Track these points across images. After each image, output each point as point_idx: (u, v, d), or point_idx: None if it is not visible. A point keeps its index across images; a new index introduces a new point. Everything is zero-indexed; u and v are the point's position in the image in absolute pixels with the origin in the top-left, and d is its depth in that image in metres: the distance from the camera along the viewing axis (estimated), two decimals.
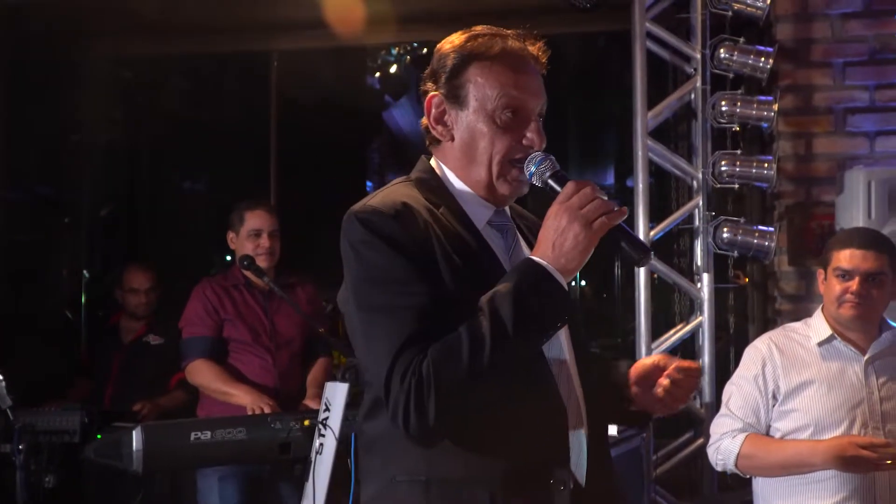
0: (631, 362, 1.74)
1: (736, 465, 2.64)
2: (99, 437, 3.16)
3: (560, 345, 1.63)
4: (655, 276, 4.18)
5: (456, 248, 1.58)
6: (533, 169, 1.61)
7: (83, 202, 5.75)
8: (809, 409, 2.57)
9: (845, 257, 2.59)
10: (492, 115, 1.63)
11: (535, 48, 1.68)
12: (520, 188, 1.67)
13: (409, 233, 1.55)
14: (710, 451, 2.72)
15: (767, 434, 2.64)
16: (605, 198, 1.52)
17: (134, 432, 2.91)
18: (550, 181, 1.60)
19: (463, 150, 1.66)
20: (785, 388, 2.61)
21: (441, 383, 1.46)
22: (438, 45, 1.70)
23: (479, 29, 1.70)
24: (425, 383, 1.46)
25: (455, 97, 1.65)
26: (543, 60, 1.69)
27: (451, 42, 1.68)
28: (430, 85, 1.69)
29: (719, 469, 2.73)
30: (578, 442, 1.61)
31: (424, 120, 1.71)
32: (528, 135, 1.64)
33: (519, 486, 1.53)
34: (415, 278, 1.52)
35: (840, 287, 2.59)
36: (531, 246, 1.69)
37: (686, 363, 1.67)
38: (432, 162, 1.73)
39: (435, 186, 1.67)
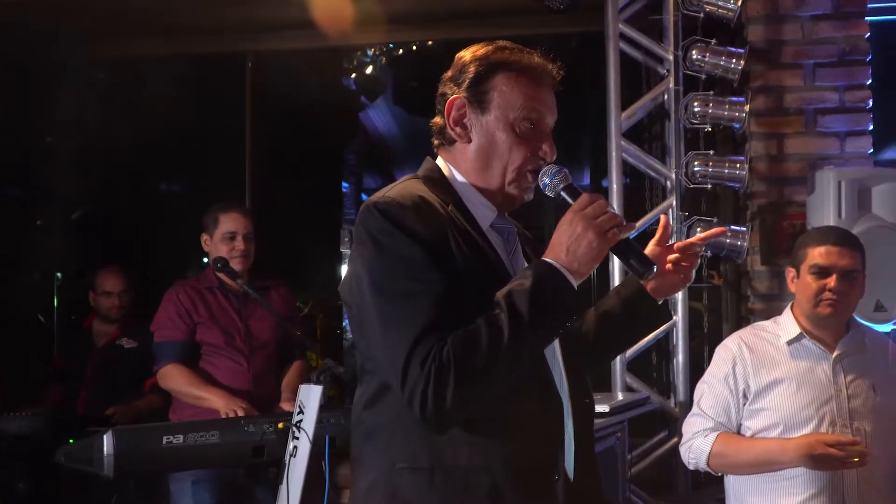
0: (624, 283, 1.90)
1: (708, 464, 2.66)
2: (71, 441, 3.14)
3: (554, 347, 1.70)
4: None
5: (466, 245, 1.65)
6: (547, 181, 1.70)
7: (56, 204, 5.70)
8: (779, 407, 2.60)
9: (822, 254, 2.60)
10: (512, 123, 1.72)
11: (553, 67, 1.78)
12: (527, 195, 1.76)
13: (427, 225, 1.61)
14: (683, 450, 2.74)
15: (738, 432, 2.66)
16: (616, 211, 1.62)
17: (105, 436, 2.88)
18: (563, 193, 1.69)
19: (479, 153, 1.74)
20: (755, 386, 2.63)
21: (460, 371, 1.52)
22: (459, 55, 1.79)
23: (502, 43, 1.78)
24: (445, 369, 1.51)
25: (478, 102, 1.73)
26: (558, 79, 1.79)
27: (475, 52, 1.77)
28: (451, 88, 1.76)
29: (692, 468, 2.76)
30: (568, 438, 1.68)
31: (438, 119, 1.78)
32: (544, 147, 1.73)
33: (519, 474, 1.61)
34: (433, 268, 1.58)
35: (817, 285, 2.60)
36: (525, 251, 1.80)
37: (683, 243, 1.83)
38: (439, 162, 1.80)
39: (442, 185, 1.74)
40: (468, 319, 1.55)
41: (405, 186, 1.69)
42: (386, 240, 1.60)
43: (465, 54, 1.78)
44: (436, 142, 1.81)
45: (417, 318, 1.54)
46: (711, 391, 2.69)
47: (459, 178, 1.76)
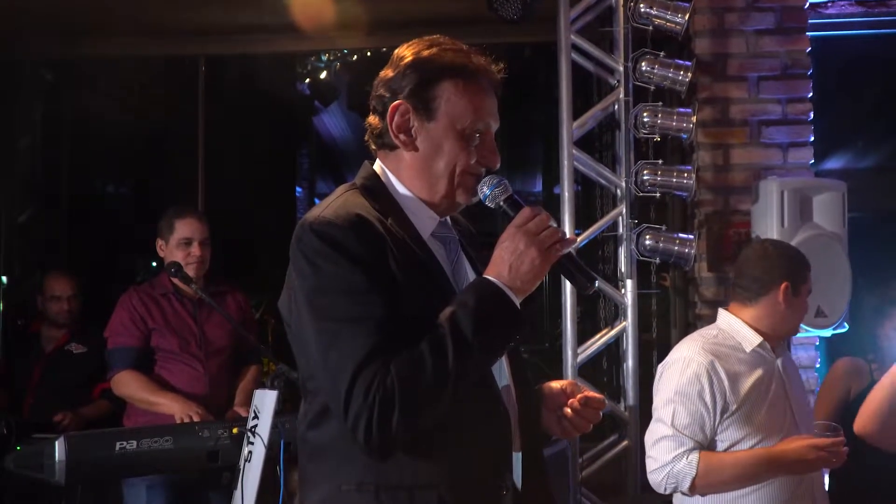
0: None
1: (692, 486, 2.51)
2: (19, 448, 3.09)
3: (501, 361, 1.69)
4: None
5: (407, 260, 1.60)
6: (488, 191, 1.67)
7: (2, 206, 5.60)
8: (751, 417, 2.54)
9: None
10: (461, 132, 1.66)
11: (495, 69, 1.72)
12: (469, 203, 1.72)
13: (365, 245, 1.56)
14: (659, 475, 2.55)
15: (711, 448, 2.55)
16: (556, 225, 1.60)
17: (57, 442, 2.85)
18: (504, 205, 1.66)
19: (424, 161, 1.68)
20: (733, 400, 2.53)
21: (406, 399, 1.49)
22: (399, 53, 1.71)
23: (442, 40, 1.71)
24: (390, 398, 1.48)
25: (424, 109, 1.66)
26: (500, 80, 1.73)
27: (417, 52, 1.69)
28: (390, 92, 1.68)
29: (668, 492, 2.59)
30: (515, 451, 1.67)
31: (375, 120, 1.71)
32: (489, 155, 1.69)
33: (465, 489, 1.58)
34: (373, 290, 1.53)
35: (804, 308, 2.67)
36: (468, 256, 1.76)
37: (591, 395, 1.73)
38: (376, 167, 1.74)
39: (380, 195, 1.68)
40: (412, 340, 1.51)
41: (342, 203, 1.62)
42: (324, 263, 1.55)
43: (406, 54, 1.69)
44: (373, 146, 1.74)
45: (359, 344, 1.50)
46: (685, 409, 2.53)
47: (400, 187, 1.70)
